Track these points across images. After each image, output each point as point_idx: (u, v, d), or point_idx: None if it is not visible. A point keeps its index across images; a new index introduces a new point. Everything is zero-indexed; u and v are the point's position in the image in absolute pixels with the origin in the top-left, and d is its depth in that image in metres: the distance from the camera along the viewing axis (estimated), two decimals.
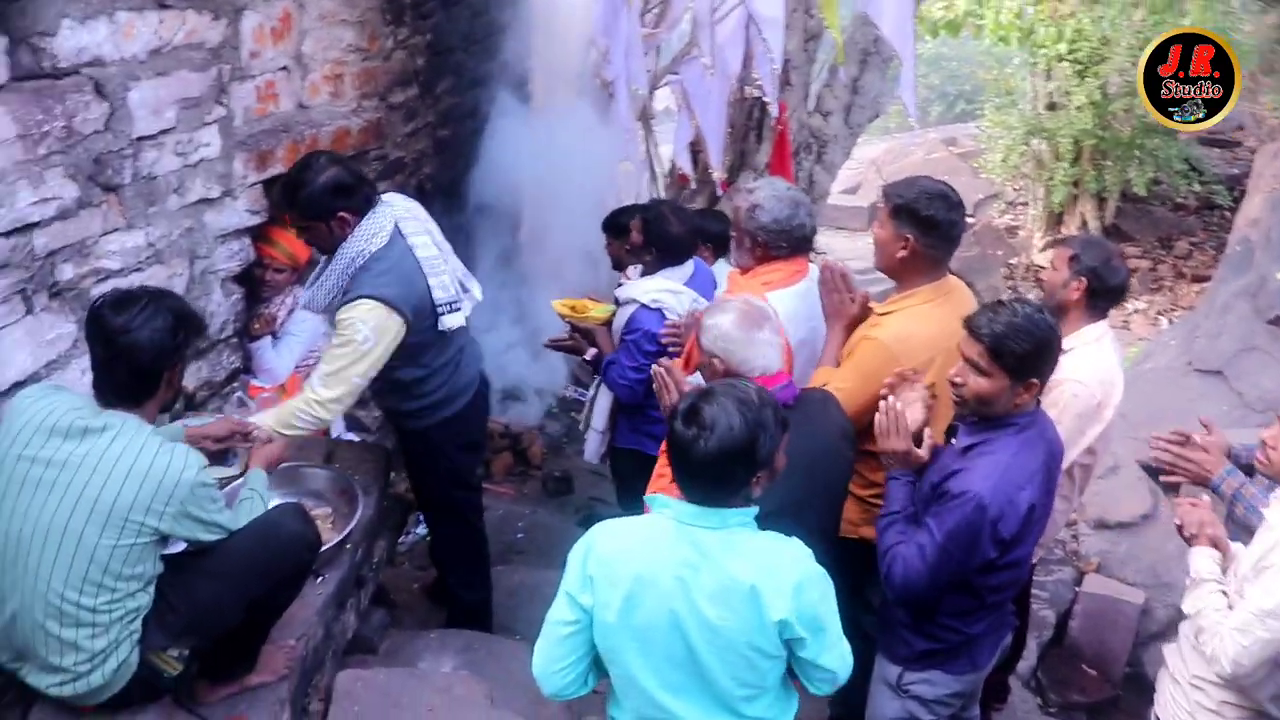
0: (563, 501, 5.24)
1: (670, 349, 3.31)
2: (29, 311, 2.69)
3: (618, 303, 3.65)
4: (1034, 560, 2.84)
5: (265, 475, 2.61)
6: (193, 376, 3.46)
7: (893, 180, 2.94)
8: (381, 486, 3.32)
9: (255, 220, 3.61)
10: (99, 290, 2.88)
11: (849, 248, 10.61)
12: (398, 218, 2.95)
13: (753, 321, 2.36)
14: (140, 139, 2.97)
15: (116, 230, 2.96)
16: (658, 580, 1.87)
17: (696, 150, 5.84)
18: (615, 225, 4.03)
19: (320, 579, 2.87)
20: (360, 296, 2.81)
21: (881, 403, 2.41)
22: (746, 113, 6.22)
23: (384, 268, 2.81)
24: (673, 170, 6.41)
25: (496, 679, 3.05)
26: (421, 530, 4.48)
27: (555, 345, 3.82)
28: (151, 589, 2.27)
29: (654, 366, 2.70)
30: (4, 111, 2.49)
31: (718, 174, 5.50)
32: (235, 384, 3.74)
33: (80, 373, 2.85)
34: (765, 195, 3.08)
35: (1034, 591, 4.02)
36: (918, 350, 2.66)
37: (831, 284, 2.89)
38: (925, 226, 2.65)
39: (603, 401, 3.72)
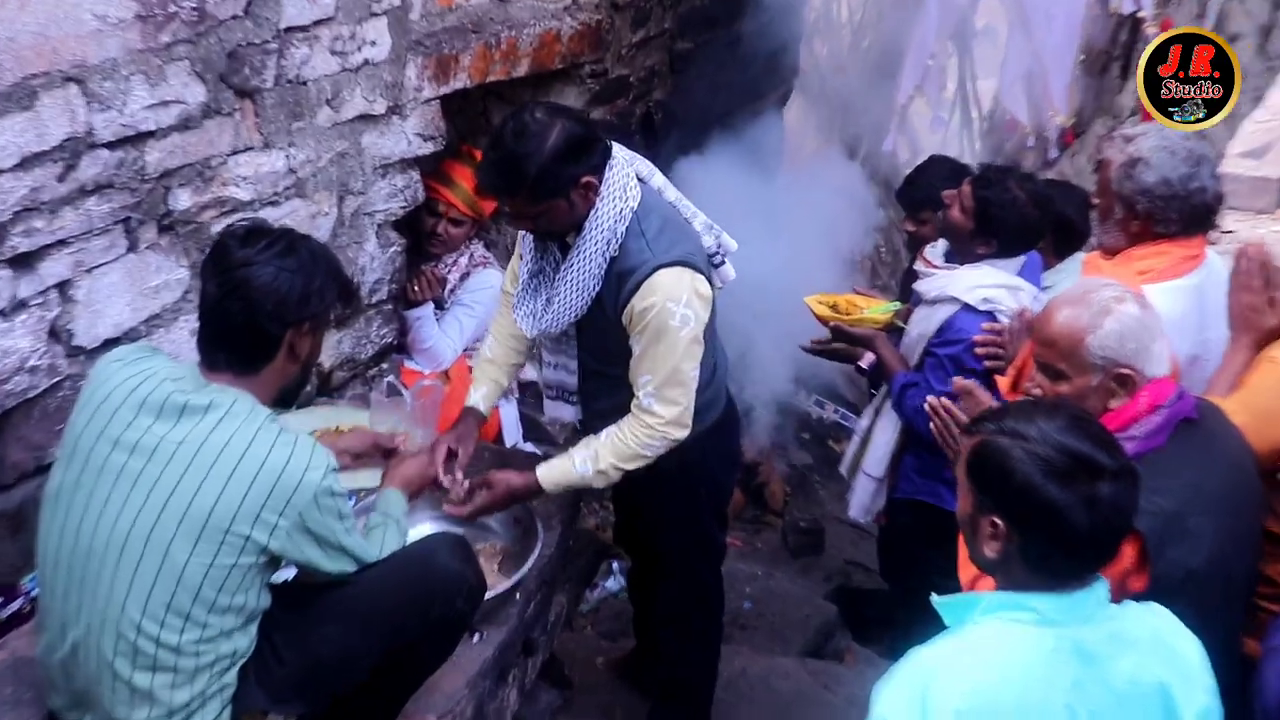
0: (808, 564, 5.19)
1: (987, 363, 3.19)
2: (132, 248, 2.79)
3: (910, 299, 3.59)
4: None
5: (404, 499, 2.62)
6: (330, 350, 3.54)
7: None
8: (567, 518, 3.29)
9: (429, 149, 3.67)
10: (219, 226, 2.95)
11: (1249, 236, 9.71)
12: (626, 159, 2.93)
13: (1149, 309, 2.38)
14: (288, 30, 3.06)
15: (249, 150, 3.05)
16: None
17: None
18: (916, 193, 3.90)
19: (477, 638, 2.82)
20: (655, 269, 2.76)
21: None
22: (1110, 34, 5.86)
23: (657, 225, 2.80)
24: (995, 113, 6.15)
25: None
26: (613, 585, 4.50)
27: (820, 349, 3.81)
28: (254, 630, 2.25)
29: (931, 400, 2.76)
30: None
31: (1060, 119, 5.14)
32: (385, 364, 3.82)
33: (189, 334, 2.92)
34: (1151, 146, 2.96)
35: None
36: None
37: (1246, 279, 2.78)
38: None
39: (883, 435, 3.60)
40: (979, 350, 3.20)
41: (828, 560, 5.21)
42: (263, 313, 2.19)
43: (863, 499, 3.68)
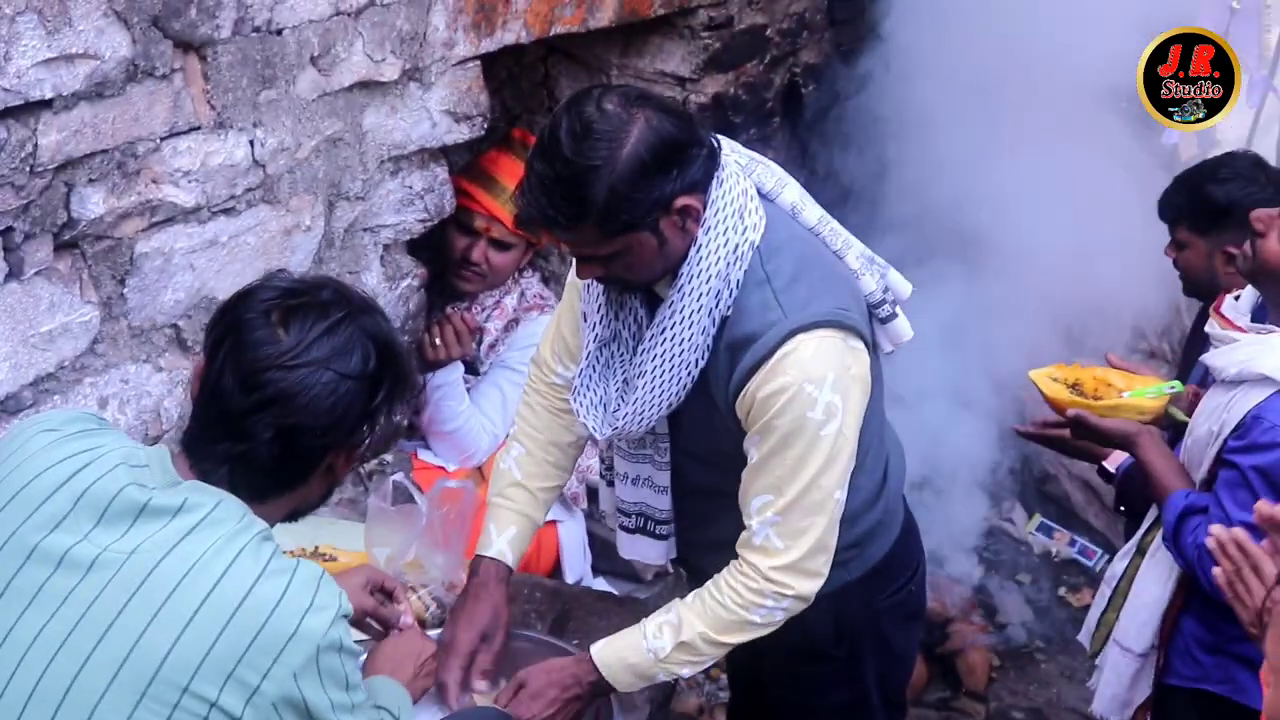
0: None
1: None
2: (14, 274, 2.80)
3: (1195, 378, 3.59)
4: None
5: (403, 691, 2.67)
6: None
7: None
8: (659, 696, 3.30)
9: (463, 134, 3.71)
10: (147, 246, 2.96)
11: None
12: (740, 166, 2.95)
13: None
14: None
15: (194, 130, 3.08)
16: None
17: None
18: (1202, 205, 3.85)
19: None
20: (790, 334, 2.76)
21: None
22: None
23: (791, 268, 2.81)
24: None
25: None
26: None
27: (1042, 436, 3.82)
28: None
29: (1217, 531, 2.64)
30: None
31: None
32: (390, 455, 3.86)
33: (97, 404, 2.94)
34: None
35: None
36: None
37: None
38: None
39: (1150, 588, 3.51)
40: None
41: None
42: (310, 434, 2.25)
43: (1115, 685, 3.58)
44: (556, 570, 4.05)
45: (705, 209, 2.77)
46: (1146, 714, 3.59)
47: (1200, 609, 3.39)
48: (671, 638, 2.82)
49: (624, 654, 2.84)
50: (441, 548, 3.13)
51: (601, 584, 4.28)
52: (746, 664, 3.39)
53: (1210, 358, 3.41)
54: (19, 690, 2.11)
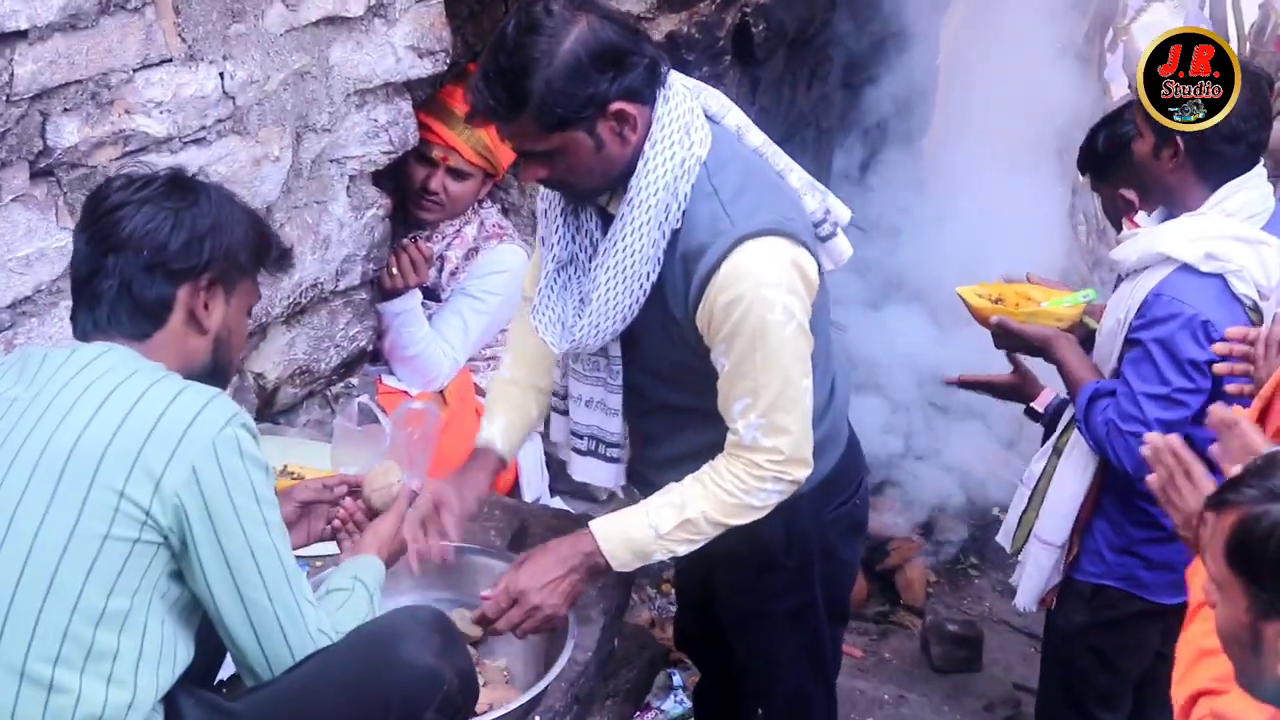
0: (959, 684, 5.11)
1: (1229, 386, 3.11)
2: None
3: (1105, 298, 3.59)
4: None
5: (381, 569, 2.68)
6: (276, 354, 3.55)
7: None
8: (611, 608, 3.31)
9: (426, 68, 3.69)
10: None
11: None
12: (688, 89, 2.96)
13: None
14: None
15: (166, 63, 3.06)
16: None
17: None
18: (1090, 155, 3.92)
19: None
20: (738, 241, 2.76)
21: None
22: None
23: (736, 181, 2.82)
24: (1271, 27, 6.14)
25: None
26: (673, 706, 4.44)
27: (970, 383, 3.93)
28: (145, 695, 2.24)
29: (1153, 439, 2.65)
30: None
31: None
32: (356, 379, 3.85)
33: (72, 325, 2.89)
34: None
35: None
36: None
37: None
38: None
39: (1067, 484, 3.56)
40: (1217, 368, 3.15)
41: (988, 681, 5.13)
42: (139, 263, 2.32)
43: (1037, 579, 3.65)
44: (516, 490, 4.06)
45: (651, 124, 2.76)
46: (1053, 598, 3.66)
47: (1111, 512, 3.49)
48: (674, 516, 2.83)
49: (624, 529, 2.86)
50: (406, 467, 3.13)
51: (559, 503, 4.28)
52: (700, 576, 3.42)
53: (1115, 252, 3.53)
54: None
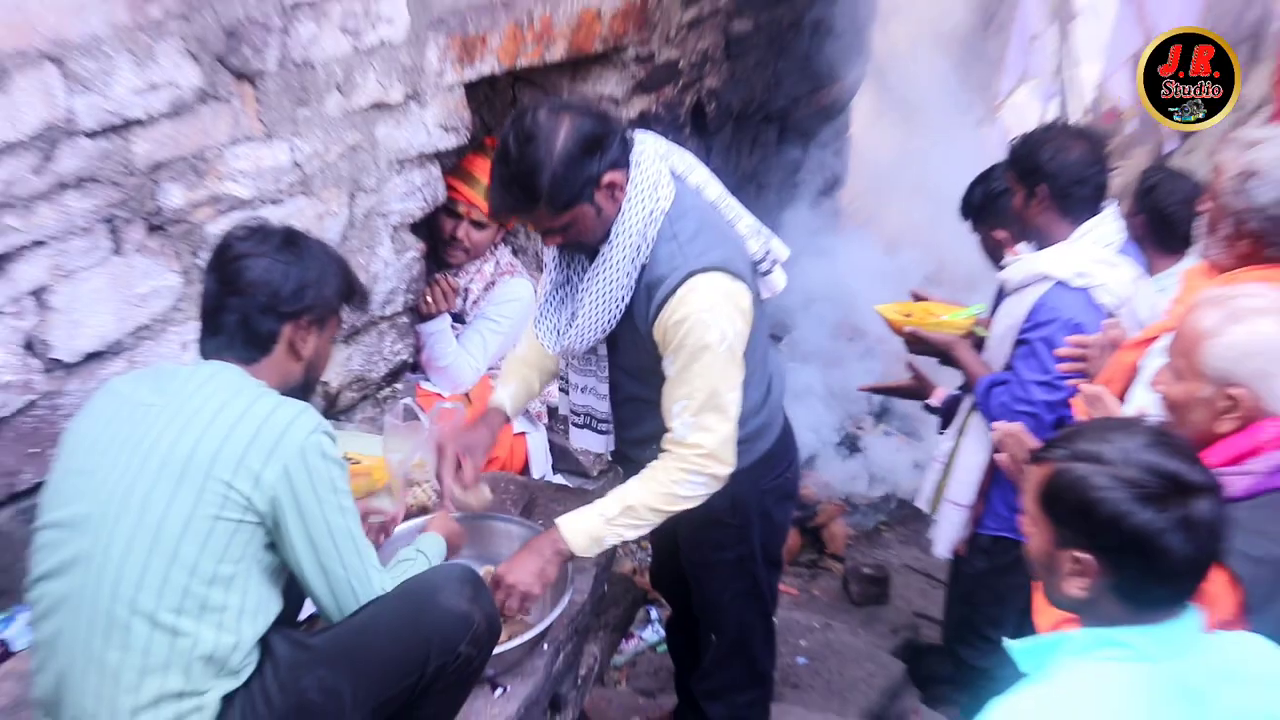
0: (871, 614, 5.13)
1: (1070, 382, 3.16)
2: (117, 250, 2.80)
3: (991, 309, 3.57)
4: None
5: (443, 545, 2.70)
6: (339, 367, 3.53)
7: None
8: (602, 560, 3.28)
9: (451, 141, 3.68)
10: (215, 228, 2.96)
11: None
12: (659, 154, 2.93)
13: None
14: (294, 5, 3.06)
15: (250, 140, 3.07)
16: None
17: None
18: (967, 205, 3.85)
19: (500, 693, 2.80)
20: (688, 275, 2.76)
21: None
22: (1236, 13, 5.83)
23: (692, 228, 2.82)
24: (1099, 102, 6.09)
25: None
26: (651, 635, 4.46)
27: (881, 388, 3.95)
28: (245, 639, 2.24)
29: (1000, 426, 2.78)
30: None
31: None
32: (400, 385, 3.81)
33: (181, 347, 2.94)
34: (1272, 158, 2.87)
35: None
36: None
37: None
38: None
39: (971, 456, 3.58)
40: (1060, 367, 3.20)
41: (894, 611, 5.14)
42: (256, 305, 2.33)
43: (949, 532, 3.66)
44: (526, 470, 4.04)
45: (628, 184, 2.75)
46: (964, 547, 3.69)
47: (1005, 478, 3.44)
48: (618, 505, 2.81)
49: (581, 522, 2.83)
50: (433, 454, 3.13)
51: (559, 479, 4.27)
52: (668, 533, 3.34)
53: (1002, 274, 3.49)
54: (112, 503, 2.19)
